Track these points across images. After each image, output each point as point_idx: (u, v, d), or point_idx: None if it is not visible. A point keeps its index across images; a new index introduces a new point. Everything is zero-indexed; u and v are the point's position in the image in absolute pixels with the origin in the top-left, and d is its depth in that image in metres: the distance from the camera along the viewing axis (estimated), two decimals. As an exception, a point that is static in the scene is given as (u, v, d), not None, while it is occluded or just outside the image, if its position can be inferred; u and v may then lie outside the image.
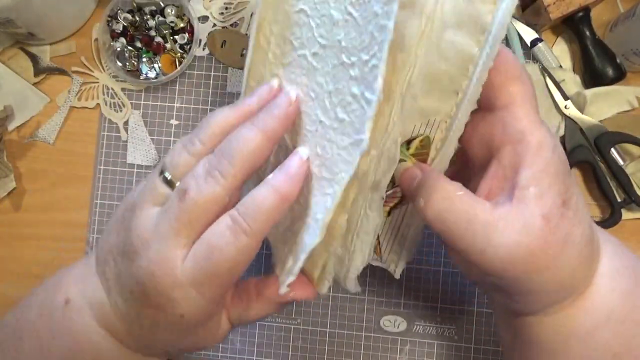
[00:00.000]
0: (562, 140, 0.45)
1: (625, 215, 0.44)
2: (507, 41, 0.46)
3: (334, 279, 0.32)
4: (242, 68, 0.41)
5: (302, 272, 0.30)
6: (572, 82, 0.45)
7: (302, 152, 0.27)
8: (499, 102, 0.27)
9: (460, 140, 0.28)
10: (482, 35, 0.24)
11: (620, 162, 0.44)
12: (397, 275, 0.34)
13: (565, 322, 0.28)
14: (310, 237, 0.26)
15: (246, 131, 0.26)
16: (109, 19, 0.47)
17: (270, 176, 0.26)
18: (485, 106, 0.27)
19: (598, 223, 0.44)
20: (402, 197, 0.31)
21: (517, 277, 0.26)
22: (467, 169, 0.31)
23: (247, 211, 0.25)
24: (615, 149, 0.44)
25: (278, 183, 0.25)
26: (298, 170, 0.26)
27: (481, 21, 0.24)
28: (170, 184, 0.27)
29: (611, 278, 0.27)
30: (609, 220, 0.44)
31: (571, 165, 0.44)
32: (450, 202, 0.26)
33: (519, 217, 0.25)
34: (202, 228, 0.26)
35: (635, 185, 0.44)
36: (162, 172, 0.27)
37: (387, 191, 0.29)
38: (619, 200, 0.44)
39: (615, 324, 0.27)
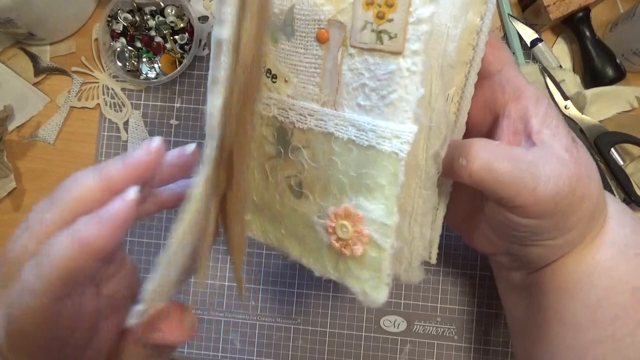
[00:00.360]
0: (562, 140, 0.45)
1: (625, 215, 0.44)
2: (507, 41, 0.46)
3: (394, 278, 0.30)
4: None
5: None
6: (572, 82, 0.45)
7: (131, 192, 0.21)
8: (493, 68, 0.30)
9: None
10: (483, 6, 0.27)
11: (620, 162, 0.44)
12: (433, 260, 0.33)
13: (588, 258, 0.29)
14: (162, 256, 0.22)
15: (84, 176, 0.22)
16: (109, 19, 0.47)
17: (82, 219, 0.21)
18: (480, 75, 0.30)
19: (598, 223, 0.44)
20: None
21: (564, 210, 0.27)
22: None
23: (41, 263, 0.21)
24: (615, 149, 0.44)
25: (83, 232, 0.20)
26: (116, 217, 0.20)
27: None
28: None
29: (618, 215, 0.30)
30: (609, 220, 0.44)
31: (571, 165, 0.44)
32: (493, 151, 0.26)
33: (550, 154, 0.27)
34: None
35: (635, 185, 0.44)
36: None
37: None
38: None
39: (631, 257, 0.29)
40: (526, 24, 0.45)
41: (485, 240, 0.33)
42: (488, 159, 0.26)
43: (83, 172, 0.22)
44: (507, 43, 0.46)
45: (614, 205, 0.30)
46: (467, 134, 0.32)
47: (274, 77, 0.29)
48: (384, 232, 0.26)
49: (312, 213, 0.29)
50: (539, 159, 0.26)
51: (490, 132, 0.31)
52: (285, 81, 0.28)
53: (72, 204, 0.22)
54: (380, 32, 0.24)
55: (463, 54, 0.28)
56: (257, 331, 0.47)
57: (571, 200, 0.26)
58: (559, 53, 0.46)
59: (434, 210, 0.30)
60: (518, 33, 0.45)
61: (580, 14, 0.44)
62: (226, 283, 0.47)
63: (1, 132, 0.48)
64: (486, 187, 0.27)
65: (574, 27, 0.45)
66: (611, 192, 0.43)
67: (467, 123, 0.31)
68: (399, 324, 0.46)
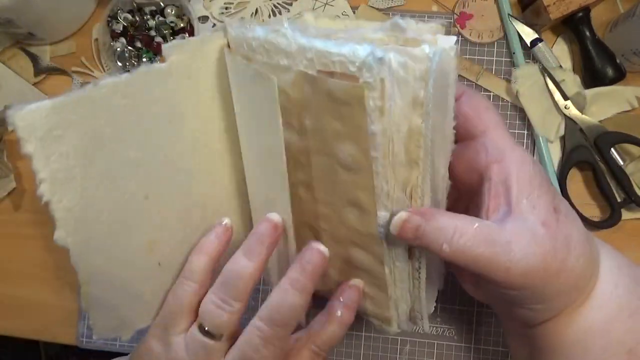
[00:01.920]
0: (562, 140, 0.45)
1: (625, 215, 0.44)
2: (507, 41, 0.46)
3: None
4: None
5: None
6: (572, 82, 0.45)
7: (358, 282, 0.33)
8: (477, 130, 0.30)
9: (450, 174, 0.31)
10: (422, 108, 0.27)
11: (620, 162, 0.44)
12: (426, 329, 0.35)
13: (580, 320, 0.29)
14: None
15: (293, 298, 0.29)
16: (109, 19, 0.47)
17: (339, 313, 0.32)
18: (464, 137, 0.31)
19: (598, 223, 0.44)
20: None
21: (537, 285, 0.27)
22: (461, 199, 0.33)
23: (327, 346, 0.32)
24: (615, 149, 0.44)
25: (345, 319, 0.32)
26: (358, 300, 0.33)
27: (419, 98, 0.27)
28: (219, 338, 0.31)
29: (612, 275, 0.29)
30: (609, 220, 0.44)
31: (571, 166, 0.44)
32: (471, 238, 0.27)
33: (524, 230, 0.27)
34: None
35: (635, 185, 0.44)
36: (204, 331, 0.31)
37: None
38: (618, 200, 0.44)
39: (625, 318, 0.28)
40: (526, 24, 0.45)
41: (479, 293, 0.34)
42: (467, 247, 0.27)
43: (295, 299, 0.30)
44: (507, 43, 0.46)
45: (610, 261, 0.30)
46: (456, 190, 0.32)
47: None
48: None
49: None
50: (514, 238, 0.27)
51: (476, 191, 0.31)
52: None
53: (295, 321, 0.31)
54: None
55: (412, 153, 0.28)
56: (257, 331, 0.47)
57: (543, 275, 0.27)
58: (559, 53, 0.46)
59: (409, 278, 0.32)
60: (518, 33, 0.45)
61: (580, 14, 0.44)
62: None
63: (1, 132, 0.48)
64: (465, 267, 0.28)
65: (574, 27, 0.45)
66: (611, 192, 0.44)
67: (455, 182, 0.32)
68: (399, 324, 0.46)
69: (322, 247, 0.30)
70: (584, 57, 0.45)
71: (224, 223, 0.33)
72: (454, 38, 0.27)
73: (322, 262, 0.30)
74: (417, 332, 0.46)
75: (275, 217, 0.31)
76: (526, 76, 0.45)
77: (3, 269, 0.49)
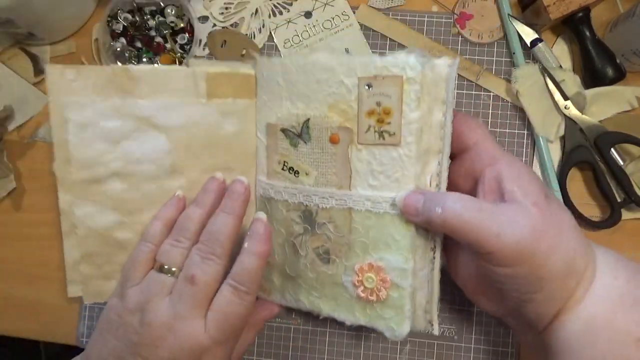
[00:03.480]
0: (562, 140, 0.45)
1: (625, 215, 0.44)
2: (507, 41, 0.46)
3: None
4: (242, 68, 0.41)
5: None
6: (572, 82, 0.45)
7: (262, 216, 0.35)
8: (470, 142, 0.35)
9: (448, 185, 0.35)
10: (442, 105, 0.34)
11: (620, 162, 0.44)
12: (436, 331, 0.37)
13: (583, 313, 0.30)
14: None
15: (223, 218, 0.35)
16: (109, 19, 0.47)
17: (246, 245, 0.34)
18: (459, 150, 0.36)
19: (598, 223, 0.44)
20: None
21: (531, 259, 0.29)
22: None
23: (243, 278, 0.34)
24: (615, 149, 0.44)
25: (253, 248, 0.34)
26: (266, 232, 0.35)
27: (440, 96, 0.33)
28: (173, 273, 0.35)
29: (610, 268, 0.31)
30: (609, 220, 0.44)
31: (571, 166, 0.44)
32: (463, 202, 0.31)
33: (516, 209, 0.30)
34: (211, 300, 0.34)
35: (634, 185, 0.44)
36: (161, 270, 0.35)
37: None
38: (618, 200, 0.44)
39: (628, 308, 0.29)
40: (526, 24, 0.45)
41: (489, 302, 0.35)
42: (459, 209, 0.30)
43: (226, 219, 0.35)
44: (507, 43, 0.46)
45: (607, 256, 0.31)
46: None
47: (296, 173, 0.38)
48: (403, 275, 0.34)
49: (340, 274, 0.37)
50: (505, 210, 0.30)
51: (471, 195, 0.33)
52: (307, 174, 0.37)
53: (232, 241, 0.35)
54: (382, 132, 0.34)
55: (433, 145, 0.34)
56: (257, 331, 0.47)
57: (536, 249, 0.28)
58: (559, 53, 0.46)
59: (428, 265, 0.36)
60: (518, 33, 0.45)
61: (580, 14, 0.44)
62: (226, 283, 0.48)
63: (1, 132, 0.48)
64: (457, 234, 0.30)
65: (574, 27, 0.45)
66: (611, 192, 0.44)
67: (452, 190, 0.35)
68: (399, 324, 0.46)
69: (243, 178, 0.37)
70: (584, 57, 0.45)
71: (177, 194, 0.39)
72: (455, 60, 0.33)
73: (243, 189, 0.36)
74: (417, 332, 0.46)
75: (244, 179, 0.37)
76: (526, 76, 0.45)
77: (3, 269, 0.49)
